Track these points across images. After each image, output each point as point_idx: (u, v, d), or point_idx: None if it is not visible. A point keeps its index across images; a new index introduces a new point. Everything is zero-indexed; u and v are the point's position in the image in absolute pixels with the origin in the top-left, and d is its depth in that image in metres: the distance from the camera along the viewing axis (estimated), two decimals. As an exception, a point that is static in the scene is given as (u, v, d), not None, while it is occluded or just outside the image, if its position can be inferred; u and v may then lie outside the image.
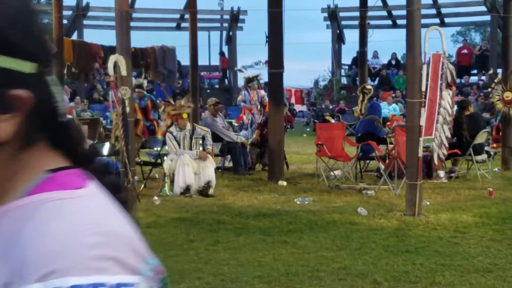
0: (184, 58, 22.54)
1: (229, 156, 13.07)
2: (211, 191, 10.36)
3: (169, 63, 15.05)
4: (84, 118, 16.07)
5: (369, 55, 26.13)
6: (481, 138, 11.48)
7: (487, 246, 6.93)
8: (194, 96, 14.41)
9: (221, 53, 30.08)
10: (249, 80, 15.64)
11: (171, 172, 10.42)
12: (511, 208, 8.84)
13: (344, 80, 29.62)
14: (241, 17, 27.42)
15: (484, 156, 11.68)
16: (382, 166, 10.74)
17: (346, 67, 29.30)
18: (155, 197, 9.89)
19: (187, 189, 10.26)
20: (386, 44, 39.65)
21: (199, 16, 23.26)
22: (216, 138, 12.25)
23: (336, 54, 28.01)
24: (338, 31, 27.49)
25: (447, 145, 8.88)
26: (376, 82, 26.69)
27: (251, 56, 59.93)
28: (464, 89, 24.57)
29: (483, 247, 6.91)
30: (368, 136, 11.81)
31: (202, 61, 30.21)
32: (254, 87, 15.60)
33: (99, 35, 24.58)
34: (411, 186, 8.49)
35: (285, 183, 11.35)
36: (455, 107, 12.94)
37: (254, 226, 8.06)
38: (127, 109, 8.85)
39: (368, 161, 12.55)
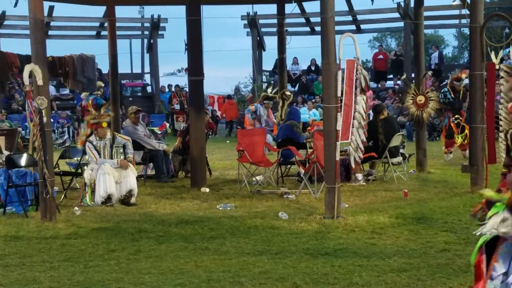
0: (105, 67, 22.32)
1: (151, 164, 13.03)
2: (133, 200, 10.30)
3: (88, 71, 14.81)
4: (2, 128, 15.65)
5: (289, 62, 26.54)
6: (396, 141, 11.85)
7: (403, 246, 7.17)
8: (115, 104, 14.28)
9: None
10: (266, 98, 15.68)
11: (91, 182, 10.30)
12: (426, 208, 9.17)
13: (265, 86, 29.90)
14: (161, 24, 27.29)
15: (399, 159, 12.05)
16: (302, 171, 10.94)
17: (267, 73, 29.62)
18: (76, 208, 9.75)
19: (108, 198, 10.17)
20: (306, 50, 40.44)
21: (120, 24, 23.11)
22: (137, 146, 12.20)
23: (257, 61, 28.27)
24: (258, 38, 27.75)
25: (363, 148, 9.13)
26: (296, 88, 27.08)
27: (173, 63, 59.81)
28: (380, 93, 25.27)
29: (398, 247, 7.15)
30: (288, 141, 11.99)
31: (124, 69, 30.01)
32: (268, 105, 15.62)
33: (16, 44, 23.94)
34: (329, 189, 8.69)
35: (207, 190, 11.40)
36: (370, 112, 13.37)
37: (176, 234, 8.07)
38: (44, 119, 8.70)
39: (289, 166, 12.75)
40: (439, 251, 6.89)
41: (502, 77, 8.07)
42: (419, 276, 6.01)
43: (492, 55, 8.68)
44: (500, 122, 8.10)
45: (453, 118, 13.34)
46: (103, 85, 15.69)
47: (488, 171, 10.03)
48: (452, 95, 13.48)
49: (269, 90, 17.24)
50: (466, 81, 13.03)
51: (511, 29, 10.39)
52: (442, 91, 13.75)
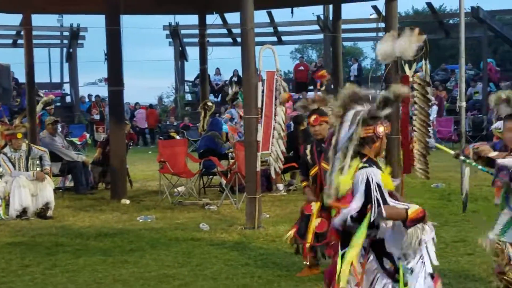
0: (22, 76, 21.71)
1: (70, 176, 12.76)
2: (50, 213, 10.04)
3: (3, 81, 14.42)
4: None
5: (212, 72, 26.58)
6: (316, 151, 12.00)
7: (322, 255, 7.26)
8: (32, 115, 13.89)
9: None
10: (233, 99, 15.42)
11: (6, 195, 10.00)
12: (344, 217, 9.31)
13: (188, 97, 29.86)
14: (81, 33, 26.88)
15: (319, 168, 12.19)
16: (224, 181, 10.95)
17: (190, 83, 29.56)
18: (-11, 222, 9.43)
19: (23, 211, 9.88)
20: (228, 61, 40.46)
21: (38, 33, 22.57)
22: (55, 157, 11.93)
23: (179, 71, 28.19)
24: (180, 48, 27.70)
25: (282, 159, 9.22)
26: (219, 98, 27.12)
27: (93, 73, 58.83)
28: (302, 104, 25.57)
29: (317, 256, 7.23)
30: (210, 152, 11.98)
31: (43, 78, 29.33)
32: (239, 105, 15.36)
33: None
34: (250, 200, 8.73)
35: (128, 202, 11.25)
36: (291, 122, 13.51)
37: (94, 247, 7.92)
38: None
39: (211, 176, 12.73)
40: (357, 260, 7.02)
41: (416, 89, 8.31)
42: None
43: (406, 67, 8.93)
44: (414, 133, 8.34)
45: None
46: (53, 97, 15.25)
47: (403, 181, 10.28)
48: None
49: (230, 91, 17.20)
50: None
51: (424, 43, 10.71)
52: None
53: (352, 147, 3.91)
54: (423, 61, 8.08)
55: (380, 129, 4.01)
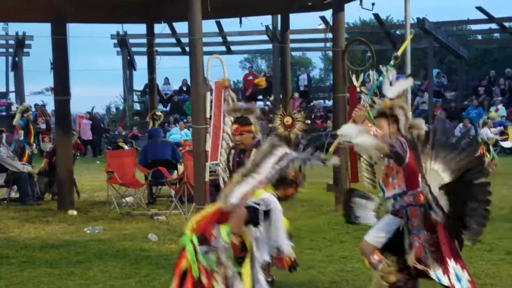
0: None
1: (15, 187, 12.52)
2: (-6, 225, 9.85)
3: None
4: None
5: (161, 82, 26.48)
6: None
7: (270, 264, 7.29)
8: (-24, 124, 13.61)
9: None
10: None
11: None
12: (292, 227, 9.28)
13: (137, 106, 29.64)
14: (27, 42, 26.43)
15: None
16: (173, 192, 10.89)
17: (139, 93, 29.36)
18: None
19: (-33, 224, 9.67)
20: (177, 70, 40.39)
21: (-19, 41, 22.16)
22: (0, 168, 11.72)
23: (128, 80, 27.97)
24: (128, 57, 27.51)
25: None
26: (168, 108, 27.01)
27: (40, 82, 57.86)
28: (251, 114, 25.66)
29: (266, 265, 7.26)
30: (159, 162, 11.90)
31: (-13, 87, 28.69)
32: None
33: None
34: (199, 210, 8.67)
35: (75, 213, 11.10)
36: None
37: (40, 259, 7.79)
38: None
39: (160, 186, 12.65)
40: (305, 269, 7.07)
41: (363, 99, 8.45)
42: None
43: (354, 78, 9.09)
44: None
45: None
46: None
47: (351, 189, 10.42)
48: None
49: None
50: None
51: (372, 54, 10.92)
52: None
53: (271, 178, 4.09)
54: (370, 72, 8.21)
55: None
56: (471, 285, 4.90)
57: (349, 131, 4.92)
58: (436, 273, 4.86)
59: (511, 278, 6.38)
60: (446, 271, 4.85)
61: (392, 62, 5.71)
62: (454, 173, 4.71)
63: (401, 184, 5.10)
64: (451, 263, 4.85)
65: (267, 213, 4.16)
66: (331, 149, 6.63)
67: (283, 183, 4.25)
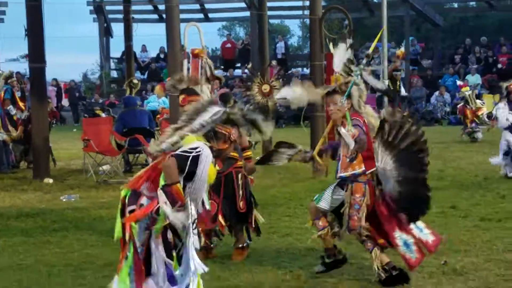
0: None
1: (-10, 155, 12.40)
2: (-32, 194, 9.77)
3: None
4: None
5: (138, 49, 26.19)
6: (242, 129, 12.03)
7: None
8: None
9: None
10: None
11: None
12: (269, 195, 9.40)
13: (114, 74, 29.37)
14: (1, 8, 25.95)
15: (246, 146, 12.22)
16: (150, 160, 10.82)
17: (116, 60, 29.06)
18: None
19: None
20: (154, 37, 39.93)
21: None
22: (-26, 137, 11.58)
23: (104, 48, 27.66)
24: (105, 24, 27.16)
25: (208, 137, 9.21)
26: (145, 75, 26.78)
27: (15, 49, 56.91)
28: (229, 81, 25.59)
29: (243, 232, 7.27)
30: (137, 130, 11.83)
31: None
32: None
33: None
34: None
35: (51, 181, 11.03)
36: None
37: (15, 227, 7.74)
38: None
39: (137, 154, 12.59)
40: (282, 236, 7.11)
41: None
42: (261, 261, 6.16)
43: (331, 45, 9.04)
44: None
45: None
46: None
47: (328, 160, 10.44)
48: (391, 86, 13.73)
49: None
50: None
51: (349, 21, 10.88)
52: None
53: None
54: (348, 39, 8.16)
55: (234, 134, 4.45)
56: (417, 247, 5.28)
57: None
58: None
59: (485, 244, 6.44)
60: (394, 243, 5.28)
61: (364, 61, 5.78)
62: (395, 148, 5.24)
63: (361, 165, 5.31)
64: (396, 234, 5.26)
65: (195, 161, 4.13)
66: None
67: (216, 137, 4.34)
